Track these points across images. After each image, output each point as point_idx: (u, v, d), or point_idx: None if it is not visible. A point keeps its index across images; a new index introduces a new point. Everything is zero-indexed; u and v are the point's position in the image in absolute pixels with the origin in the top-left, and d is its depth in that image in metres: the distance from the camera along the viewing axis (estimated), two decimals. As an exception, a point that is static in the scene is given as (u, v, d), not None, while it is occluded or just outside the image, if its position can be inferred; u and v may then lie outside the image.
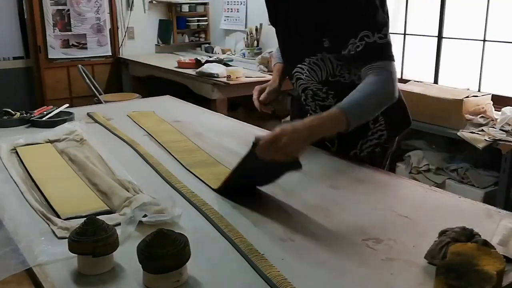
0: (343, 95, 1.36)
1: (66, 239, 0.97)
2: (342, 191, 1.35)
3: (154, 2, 5.60)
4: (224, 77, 3.99)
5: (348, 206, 1.26)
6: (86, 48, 5.31)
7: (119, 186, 1.32)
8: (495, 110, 3.20)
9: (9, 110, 2.07)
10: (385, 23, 1.40)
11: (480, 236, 0.97)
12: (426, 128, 3.24)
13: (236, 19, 5.41)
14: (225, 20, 5.58)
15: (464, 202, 1.28)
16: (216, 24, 5.76)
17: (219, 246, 1.05)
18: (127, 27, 5.54)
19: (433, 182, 3.22)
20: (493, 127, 3.04)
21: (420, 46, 3.87)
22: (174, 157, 1.61)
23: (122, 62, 5.53)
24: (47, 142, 1.74)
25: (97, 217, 0.99)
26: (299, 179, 1.44)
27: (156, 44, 5.76)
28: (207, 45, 5.71)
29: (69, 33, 5.20)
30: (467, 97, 3.16)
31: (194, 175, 1.46)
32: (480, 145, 2.90)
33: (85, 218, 0.97)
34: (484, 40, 3.45)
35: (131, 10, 5.54)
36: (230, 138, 1.83)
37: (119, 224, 1.09)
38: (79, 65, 4.78)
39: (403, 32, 3.92)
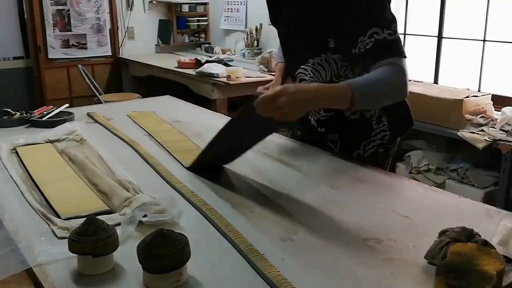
0: None
1: (66, 239, 0.97)
2: (342, 191, 1.35)
3: (154, 2, 5.61)
4: (224, 77, 3.99)
5: (348, 206, 1.26)
6: (86, 48, 5.31)
7: (119, 186, 1.32)
8: (495, 110, 3.21)
9: (9, 110, 2.07)
10: (393, 20, 1.38)
11: (480, 236, 0.97)
12: (426, 128, 3.24)
13: (236, 19, 5.41)
14: (225, 20, 5.58)
15: (464, 202, 1.28)
16: (216, 24, 5.76)
17: (219, 246, 1.05)
18: (127, 27, 5.55)
19: (433, 182, 3.23)
20: (493, 127, 3.04)
21: (420, 46, 3.87)
22: (174, 157, 1.61)
23: (122, 62, 5.54)
24: (47, 142, 1.74)
25: (97, 217, 0.99)
26: (299, 179, 1.44)
27: (156, 44, 5.76)
28: (207, 45, 5.71)
29: (69, 33, 5.20)
30: (467, 97, 3.16)
31: (194, 175, 1.46)
32: (480, 145, 2.90)
33: (85, 218, 0.97)
34: (484, 40, 3.45)
35: (131, 10, 5.55)
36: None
37: (119, 224, 1.09)
38: (79, 65, 4.78)
39: (403, 32, 3.92)
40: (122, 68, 5.57)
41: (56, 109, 2.10)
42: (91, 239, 0.93)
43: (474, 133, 3.02)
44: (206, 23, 5.85)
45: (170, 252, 0.88)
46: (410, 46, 3.93)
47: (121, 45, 5.54)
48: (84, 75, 4.67)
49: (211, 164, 1.47)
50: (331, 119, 1.61)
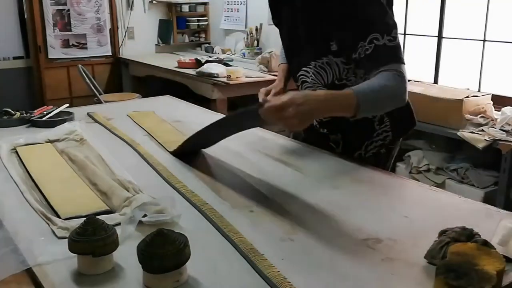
0: None
1: (66, 239, 0.97)
2: (342, 191, 1.35)
3: (154, 2, 5.61)
4: (224, 77, 3.99)
5: (348, 206, 1.26)
6: (86, 48, 5.31)
7: (119, 186, 1.32)
8: (495, 110, 3.21)
9: (9, 110, 2.07)
10: (394, 25, 1.37)
11: (480, 236, 0.97)
12: (426, 128, 3.24)
13: (236, 19, 5.41)
14: (225, 20, 5.58)
15: (464, 202, 1.28)
16: (216, 24, 5.76)
17: (219, 246, 1.05)
18: (127, 27, 5.54)
19: (433, 182, 3.23)
20: (493, 127, 3.04)
21: (420, 46, 3.87)
22: (174, 157, 1.61)
23: (122, 62, 5.54)
24: (47, 142, 1.74)
25: (97, 217, 0.99)
26: (300, 179, 1.44)
27: (156, 44, 5.76)
28: (207, 45, 5.71)
29: (69, 33, 5.20)
30: (467, 97, 3.16)
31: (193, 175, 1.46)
32: (480, 145, 2.90)
33: (85, 218, 0.97)
34: (484, 40, 3.45)
35: (131, 10, 5.55)
36: (230, 138, 1.82)
37: (119, 224, 1.09)
38: (79, 65, 4.78)
39: (403, 32, 3.93)
40: (122, 68, 5.57)
41: (56, 109, 2.10)
42: (91, 239, 0.93)
43: (474, 133, 3.02)
44: (206, 23, 5.85)
45: (170, 252, 0.88)
46: (410, 46, 3.93)
47: (121, 45, 5.54)
48: (84, 75, 4.67)
49: (192, 148, 1.59)
50: (333, 120, 1.61)
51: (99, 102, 4.38)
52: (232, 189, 1.36)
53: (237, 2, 5.36)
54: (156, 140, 1.78)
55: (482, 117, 3.13)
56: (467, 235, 0.97)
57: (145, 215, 1.12)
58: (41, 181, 1.38)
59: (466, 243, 0.93)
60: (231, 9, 5.46)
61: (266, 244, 1.04)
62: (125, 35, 5.55)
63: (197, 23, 5.81)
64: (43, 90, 5.18)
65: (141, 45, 5.64)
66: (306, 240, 1.07)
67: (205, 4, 5.82)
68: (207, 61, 4.38)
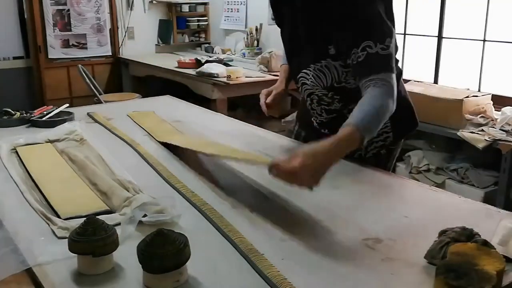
0: (349, 100, 1.35)
1: (66, 239, 0.97)
2: (342, 191, 1.35)
3: (154, 2, 5.60)
4: (224, 77, 3.99)
5: (348, 206, 1.26)
6: (86, 48, 5.31)
7: (119, 186, 1.32)
8: (495, 110, 3.20)
9: (9, 110, 2.07)
10: (389, 34, 1.37)
11: (480, 236, 0.97)
12: (426, 128, 3.24)
13: (236, 19, 5.41)
14: (225, 20, 5.58)
15: (464, 202, 1.28)
16: (216, 24, 5.76)
17: (219, 246, 1.05)
18: (127, 27, 5.54)
19: (433, 182, 3.22)
20: (493, 127, 3.04)
21: (420, 46, 3.87)
22: (174, 157, 1.61)
23: (122, 62, 5.53)
24: (47, 142, 1.74)
25: (97, 217, 0.99)
26: (299, 179, 1.44)
27: (156, 44, 5.76)
28: (207, 45, 5.71)
29: (69, 33, 5.20)
30: (467, 97, 3.16)
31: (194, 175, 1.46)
32: (480, 145, 2.90)
33: (85, 218, 0.97)
34: (484, 40, 3.45)
35: (131, 10, 5.55)
36: (230, 138, 1.83)
37: (119, 224, 1.09)
38: (79, 65, 4.78)
39: (403, 32, 3.93)
40: (122, 68, 5.57)
41: (56, 109, 2.10)
42: (91, 239, 0.93)
43: (474, 133, 3.02)
44: (206, 23, 5.85)
45: (170, 252, 0.88)
46: (410, 46, 3.93)
47: (121, 45, 5.53)
48: (84, 75, 4.67)
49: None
50: (333, 121, 1.61)
51: (99, 102, 4.38)
52: (232, 189, 1.36)
53: (237, 2, 5.36)
54: (156, 140, 1.78)
55: (482, 117, 3.13)
56: (467, 235, 0.97)
57: (145, 215, 1.12)
58: (41, 181, 1.38)
59: (466, 243, 0.93)
60: (231, 9, 5.46)
61: (266, 244, 1.05)
62: (125, 35, 5.55)
63: (197, 23, 5.81)
64: (43, 90, 5.17)
65: (141, 45, 5.64)
66: (306, 240, 1.07)
67: (205, 4, 5.82)
68: (207, 61, 4.38)
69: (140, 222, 1.11)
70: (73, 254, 0.95)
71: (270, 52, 4.33)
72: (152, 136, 1.83)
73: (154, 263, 0.88)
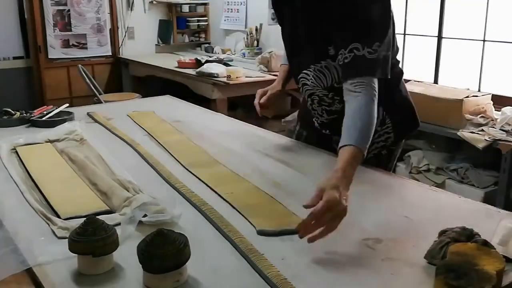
0: None
1: (66, 239, 0.97)
2: (342, 191, 1.35)
3: (154, 2, 5.60)
4: (224, 77, 3.99)
5: (348, 206, 1.25)
6: (86, 48, 5.31)
7: (119, 186, 1.32)
8: (495, 110, 3.20)
9: (9, 110, 2.07)
10: (379, 39, 1.35)
11: (480, 236, 0.97)
12: (426, 128, 3.23)
13: (236, 19, 5.41)
14: (225, 20, 5.58)
15: (464, 202, 1.28)
16: (216, 24, 5.76)
17: (219, 246, 1.05)
18: (127, 27, 5.54)
19: (433, 182, 3.22)
20: (493, 127, 3.04)
21: (420, 46, 3.87)
22: (174, 157, 1.61)
23: (122, 62, 5.53)
24: (47, 142, 1.74)
25: (97, 217, 0.99)
26: (300, 179, 1.44)
27: (156, 44, 5.76)
28: (207, 45, 5.71)
29: (69, 33, 5.20)
30: (467, 97, 3.16)
31: (194, 175, 1.46)
32: (480, 145, 2.90)
33: (85, 218, 0.97)
34: (484, 40, 3.45)
35: (131, 10, 5.55)
36: (230, 138, 1.83)
37: (119, 224, 1.09)
38: (79, 65, 4.78)
39: (403, 32, 3.93)
40: (122, 68, 5.57)
41: (56, 109, 2.10)
42: (91, 239, 0.93)
43: (474, 133, 3.02)
44: (206, 23, 5.85)
45: (170, 252, 0.88)
46: (410, 46, 3.93)
47: (121, 45, 5.53)
48: (84, 75, 4.67)
49: None
50: (334, 122, 1.60)
51: (99, 102, 4.38)
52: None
53: (237, 2, 5.36)
54: (156, 140, 1.78)
55: (482, 117, 3.13)
56: (467, 235, 0.97)
57: (145, 215, 1.12)
58: (41, 181, 1.38)
59: (466, 243, 0.93)
60: (231, 9, 5.46)
61: (266, 244, 1.05)
62: (125, 35, 5.55)
63: (197, 23, 5.81)
64: (43, 90, 5.17)
65: (141, 45, 5.64)
66: (306, 240, 1.07)
67: (205, 4, 5.82)
68: (207, 61, 4.38)
69: (140, 222, 1.11)
70: (73, 254, 0.95)
71: (270, 52, 4.33)
72: (152, 136, 1.83)
73: (154, 263, 0.88)
